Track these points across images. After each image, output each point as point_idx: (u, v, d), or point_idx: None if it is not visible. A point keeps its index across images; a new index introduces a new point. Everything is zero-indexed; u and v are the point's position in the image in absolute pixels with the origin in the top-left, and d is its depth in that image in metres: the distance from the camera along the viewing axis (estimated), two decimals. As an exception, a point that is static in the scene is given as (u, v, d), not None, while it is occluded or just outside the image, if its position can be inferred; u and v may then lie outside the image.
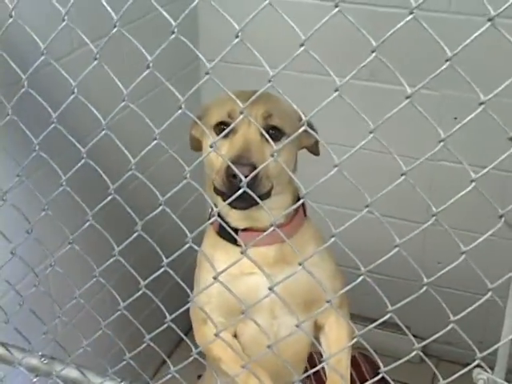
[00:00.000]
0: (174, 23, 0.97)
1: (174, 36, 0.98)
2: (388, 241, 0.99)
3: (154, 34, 1.45)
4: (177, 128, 1.04)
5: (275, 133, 1.42)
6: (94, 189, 1.33)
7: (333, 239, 0.99)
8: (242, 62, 2.31)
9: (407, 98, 0.89)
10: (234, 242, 1.51)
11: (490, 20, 0.79)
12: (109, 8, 1.03)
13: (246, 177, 1.06)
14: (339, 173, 0.93)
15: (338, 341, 1.58)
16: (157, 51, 1.01)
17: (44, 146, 1.21)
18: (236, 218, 1.52)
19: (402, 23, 0.85)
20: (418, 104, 0.88)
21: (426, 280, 0.98)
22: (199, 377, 2.22)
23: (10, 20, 1.13)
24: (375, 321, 1.07)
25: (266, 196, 1.40)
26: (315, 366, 1.22)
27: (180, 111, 1.02)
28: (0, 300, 1.47)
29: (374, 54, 0.89)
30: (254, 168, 1.30)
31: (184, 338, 1.28)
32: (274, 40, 2.13)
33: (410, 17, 0.85)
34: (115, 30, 1.03)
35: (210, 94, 1.44)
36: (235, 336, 1.60)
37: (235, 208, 1.39)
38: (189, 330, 1.60)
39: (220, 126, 1.47)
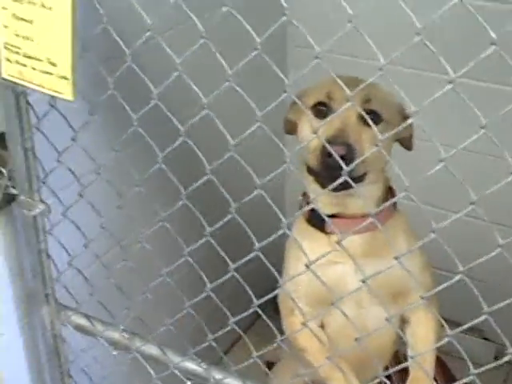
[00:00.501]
0: (285, 4, 0.96)
1: (284, 19, 0.96)
2: (475, 242, 0.95)
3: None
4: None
5: (373, 117, 1.38)
6: (187, 168, 1.33)
7: (433, 235, 0.96)
8: (333, 52, 2.28)
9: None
10: (323, 229, 1.49)
11: None
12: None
13: (341, 156, 1.05)
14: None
15: (425, 338, 1.54)
16: (265, 34, 0.99)
17: (141, 122, 1.22)
18: (326, 203, 1.49)
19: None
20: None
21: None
22: (269, 364, 2.21)
23: None
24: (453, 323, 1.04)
25: (358, 180, 1.37)
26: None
27: (285, 94, 1.01)
28: (85, 271, 1.49)
29: (493, 47, 0.85)
30: (351, 148, 1.29)
31: (270, 325, 1.26)
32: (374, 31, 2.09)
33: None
34: (225, 9, 1.02)
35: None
36: (322, 327, 1.59)
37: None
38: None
39: (317, 107, 1.46)
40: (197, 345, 1.36)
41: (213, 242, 1.19)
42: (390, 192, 1.55)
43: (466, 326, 1.06)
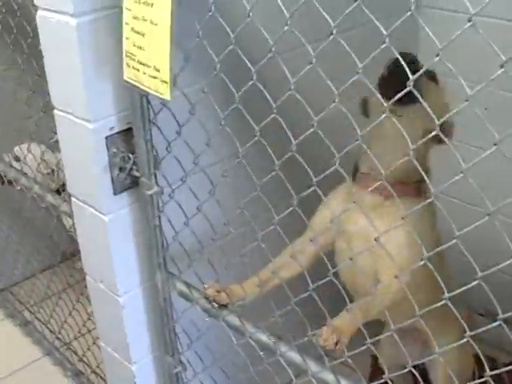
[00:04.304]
0: (385, 33, 0.99)
1: (385, 45, 1.00)
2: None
3: (366, 41, 1.43)
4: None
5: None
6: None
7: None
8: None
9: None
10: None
11: None
12: (326, 15, 1.07)
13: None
14: None
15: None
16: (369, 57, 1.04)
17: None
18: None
19: None
20: None
21: None
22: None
23: (248, 19, 1.23)
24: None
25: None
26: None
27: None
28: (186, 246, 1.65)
29: None
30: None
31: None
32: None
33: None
34: (331, 37, 1.08)
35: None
36: None
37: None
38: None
39: None
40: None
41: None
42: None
43: None
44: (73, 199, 1.75)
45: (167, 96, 1.29)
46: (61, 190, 2.63)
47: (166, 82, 1.28)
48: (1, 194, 3.02)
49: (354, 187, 1.47)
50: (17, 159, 2.73)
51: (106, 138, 1.54)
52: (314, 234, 1.64)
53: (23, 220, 2.96)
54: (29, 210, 2.62)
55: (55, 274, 2.84)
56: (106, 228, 1.63)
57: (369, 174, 1.60)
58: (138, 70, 1.33)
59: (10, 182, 2.57)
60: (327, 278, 1.30)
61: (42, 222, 2.80)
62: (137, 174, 1.55)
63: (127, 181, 1.59)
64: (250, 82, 1.27)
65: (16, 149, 2.75)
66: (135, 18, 1.29)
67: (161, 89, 1.29)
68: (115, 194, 1.60)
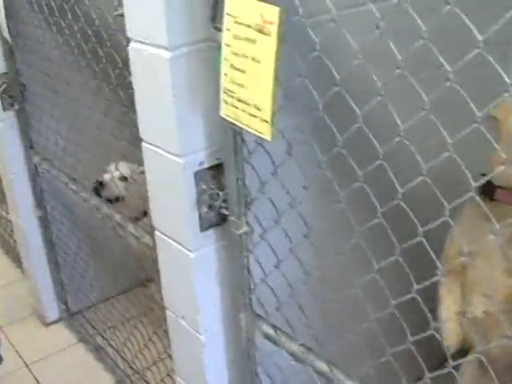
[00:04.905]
0: (508, 81, 0.89)
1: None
2: None
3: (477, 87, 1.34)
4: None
5: None
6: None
7: None
8: None
9: None
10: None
11: None
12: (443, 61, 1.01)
13: None
14: None
15: None
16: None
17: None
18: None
19: None
20: None
21: None
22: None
23: (356, 62, 1.15)
24: None
25: None
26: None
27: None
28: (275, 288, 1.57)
29: None
30: None
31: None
32: None
33: None
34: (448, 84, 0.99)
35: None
36: None
37: None
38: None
39: None
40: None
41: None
42: None
43: None
44: (157, 233, 1.71)
45: (268, 136, 1.22)
46: (141, 217, 2.62)
47: (266, 122, 1.21)
48: (80, 222, 3.03)
49: (489, 203, 1.39)
50: (123, 179, 2.75)
51: (195, 173, 1.49)
52: (454, 266, 1.61)
53: (102, 248, 2.96)
54: (107, 237, 2.61)
55: (129, 300, 2.81)
56: (191, 265, 1.58)
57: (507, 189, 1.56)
58: (237, 108, 1.28)
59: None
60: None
61: (119, 248, 2.80)
62: (226, 212, 1.50)
63: (214, 218, 1.54)
64: (356, 125, 1.19)
65: (111, 168, 2.76)
66: (235, 54, 1.24)
67: (261, 128, 1.23)
68: (202, 230, 1.55)
